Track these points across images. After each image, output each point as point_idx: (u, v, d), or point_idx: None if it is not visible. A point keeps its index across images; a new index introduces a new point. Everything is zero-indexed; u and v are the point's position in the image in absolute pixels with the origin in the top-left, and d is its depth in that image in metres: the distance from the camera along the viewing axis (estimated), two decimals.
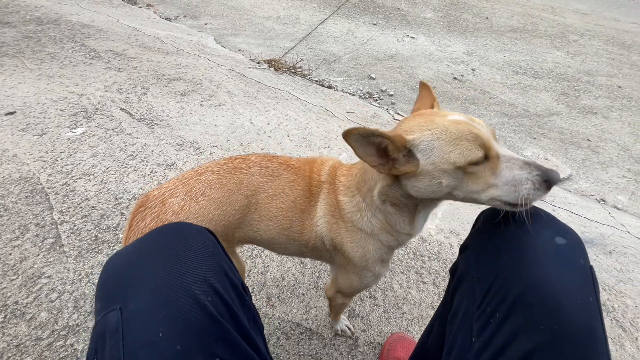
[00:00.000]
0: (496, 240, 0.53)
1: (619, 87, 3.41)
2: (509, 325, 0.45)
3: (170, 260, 0.45)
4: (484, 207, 0.64)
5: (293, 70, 3.05)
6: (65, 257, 1.24)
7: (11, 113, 1.87)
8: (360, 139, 0.60)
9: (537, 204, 0.56)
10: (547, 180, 0.52)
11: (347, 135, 0.59)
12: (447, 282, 0.67)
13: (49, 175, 1.54)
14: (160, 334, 0.39)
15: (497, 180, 0.56)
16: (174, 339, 0.40)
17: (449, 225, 1.61)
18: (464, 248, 0.61)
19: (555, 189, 2.14)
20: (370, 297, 1.25)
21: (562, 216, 1.87)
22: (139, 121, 1.96)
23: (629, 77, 3.59)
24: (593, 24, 4.86)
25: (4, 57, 2.38)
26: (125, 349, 0.39)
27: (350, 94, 2.87)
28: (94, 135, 1.80)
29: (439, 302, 1.27)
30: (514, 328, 0.45)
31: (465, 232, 1.58)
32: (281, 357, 1.05)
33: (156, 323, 0.40)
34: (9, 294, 1.11)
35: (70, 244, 1.28)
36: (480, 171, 0.57)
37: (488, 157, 0.57)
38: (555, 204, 1.99)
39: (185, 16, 4.08)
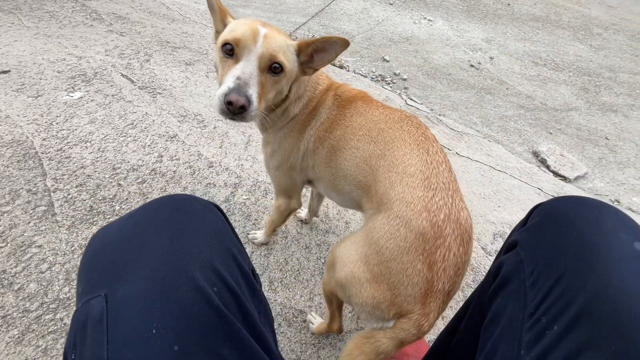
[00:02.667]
0: (559, 239, 0.45)
1: None
2: (571, 339, 0.38)
3: (171, 240, 0.37)
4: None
5: None
6: (57, 227, 1.17)
7: (5, 72, 1.76)
8: None
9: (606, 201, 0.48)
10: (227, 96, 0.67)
11: None
12: (482, 282, 0.59)
13: (43, 139, 1.45)
14: (154, 330, 0.32)
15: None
16: (171, 336, 0.32)
17: None
18: (512, 245, 0.53)
19: (569, 187, 2.05)
20: None
21: None
22: (141, 89, 1.86)
23: None
24: (619, 18, 4.64)
25: (0, 12, 2.24)
26: (110, 345, 0.31)
27: (362, 75, 2.75)
28: (92, 100, 1.70)
29: None
30: (577, 344, 0.37)
31: (477, 226, 1.51)
32: (282, 345, 1.00)
33: (150, 316, 0.33)
34: None
35: (63, 213, 1.21)
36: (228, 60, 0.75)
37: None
38: None
39: None
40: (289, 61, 0.77)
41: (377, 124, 0.80)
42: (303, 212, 1.34)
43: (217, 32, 0.85)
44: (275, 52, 0.73)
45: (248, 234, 1.26)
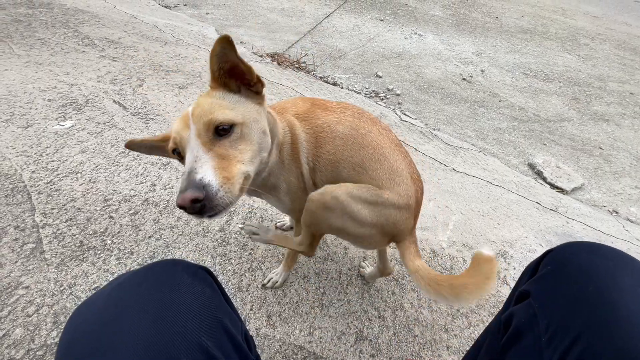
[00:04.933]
0: (575, 294, 0.43)
1: (631, 93, 3.32)
2: None
3: (155, 319, 0.35)
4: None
5: (297, 65, 2.93)
6: (46, 265, 1.13)
7: None
8: None
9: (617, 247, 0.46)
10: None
11: None
12: (490, 326, 0.57)
13: (33, 172, 1.42)
14: None
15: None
16: None
17: (462, 237, 1.51)
18: (524, 295, 0.50)
19: (560, 192, 2.04)
20: (379, 317, 1.15)
21: (577, 229, 1.78)
22: (133, 115, 1.84)
23: None
24: (604, 28, 4.75)
25: None
26: None
27: (355, 92, 2.76)
28: (83, 129, 1.68)
29: (453, 324, 1.18)
30: None
31: (477, 247, 1.49)
32: None
33: None
34: None
35: (52, 250, 1.17)
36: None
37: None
38: (569, 215, 1.91)
39: (185, 5, 3.92)
40: (231, 109, 0.66)
41: (357, 130, 0.90)
42: None
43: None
44: (207, 115, 0.62)
45: (265, 285, 1.17)
